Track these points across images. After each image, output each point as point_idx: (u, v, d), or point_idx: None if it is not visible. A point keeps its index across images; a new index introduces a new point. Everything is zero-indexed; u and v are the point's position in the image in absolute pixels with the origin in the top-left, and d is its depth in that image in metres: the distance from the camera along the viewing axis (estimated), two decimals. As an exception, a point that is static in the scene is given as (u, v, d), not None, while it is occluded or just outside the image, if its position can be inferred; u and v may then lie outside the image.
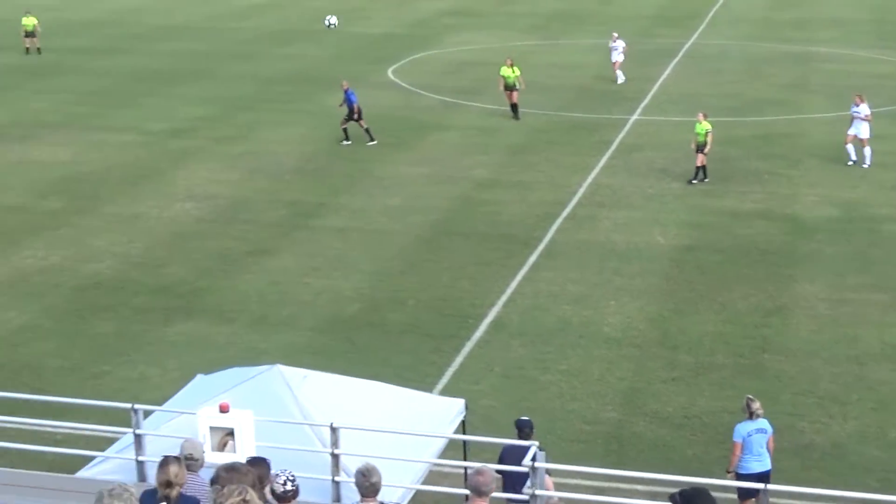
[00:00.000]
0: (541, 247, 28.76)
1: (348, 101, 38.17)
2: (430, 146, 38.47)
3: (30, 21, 55.75)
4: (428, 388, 20.06)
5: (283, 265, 27.52)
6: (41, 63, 53.36)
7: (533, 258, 27.98)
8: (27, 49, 55.51)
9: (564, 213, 31.35)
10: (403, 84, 48.48)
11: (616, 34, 49.53)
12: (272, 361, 15.45)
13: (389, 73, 50.97)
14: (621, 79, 47.92)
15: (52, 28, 62.84)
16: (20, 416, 15.80)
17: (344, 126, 38.50)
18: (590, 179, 34.57)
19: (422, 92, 46.79)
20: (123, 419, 14.26)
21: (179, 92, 47.12)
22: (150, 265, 27.54)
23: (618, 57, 48.15)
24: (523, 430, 15.68)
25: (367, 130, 38.41)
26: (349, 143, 38.20)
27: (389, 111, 43.25)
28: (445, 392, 20.28)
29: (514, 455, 14.00)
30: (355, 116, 38.20)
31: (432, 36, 61.46)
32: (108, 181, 34.42)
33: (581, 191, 33.44)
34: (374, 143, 38.22)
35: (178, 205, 32.20)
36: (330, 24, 50.89)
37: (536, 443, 12.81)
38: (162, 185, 34.00)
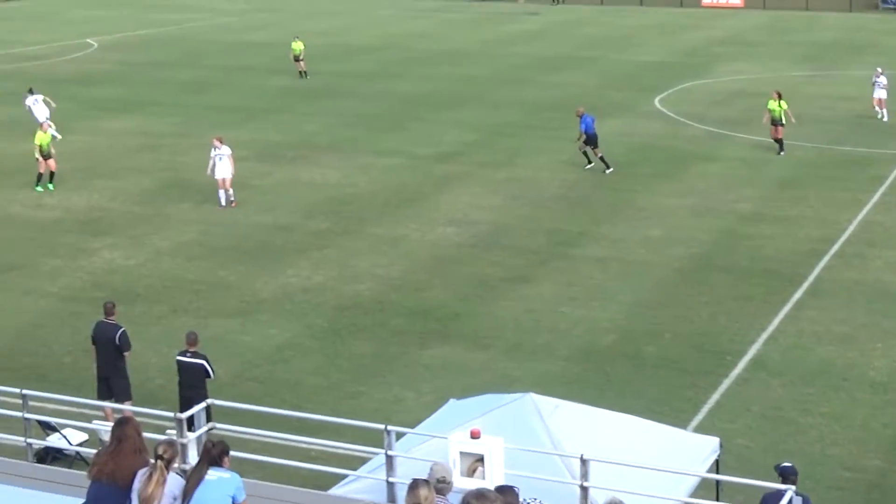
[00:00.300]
0: (805, 284, 28.07)
1: (585, 127, 38.26)
2: (694, 177, 38.05)
3: (297, 45, 57.85)
4: (681, 424, 19.80)
5: (541, 293, 27.65)
6: (314, 86, 55.15)
7: (797, 296, 27.33)
8: (301, 73, 57.51)
9: (832, 251, 30.52)
10: (670, 113, 48.13)
11: (880, 69, 47.80)
12: (525, 389, 15.54)
13: (656, 101, 50.69)
14: (886, 117, 46.13)
15: (328, 52, 65.03)
16: (278, 432, 16.35)
17: (583, 150, 38.72)
18: (861, 216, 33.57)
19: (688, 122, 46.34)
20: (376, 439, 14.58)
21: (447, 117, 47.97)
22: (410, 288, 28.09)
23: (880, 93, 46.41)
24: (788, 477, 15.12)
25: (601, 158, 38.42)
26: (611, 170, 38.16)
27: (654, 140, 43.02)
28: (699, 429, 20.00)
29: (776, 502, 13.59)
30: (586, 140, 38.38)
31: (702, 65, 60.85)
32: (373, 203, 35.28)
33: (851, 228, 32.50)
34: (611, 170, 38.15)
35: (439, 229, 32.75)
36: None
37: (793, 487, 12.49)
38: (425, 209, 34.65)
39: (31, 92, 45.07)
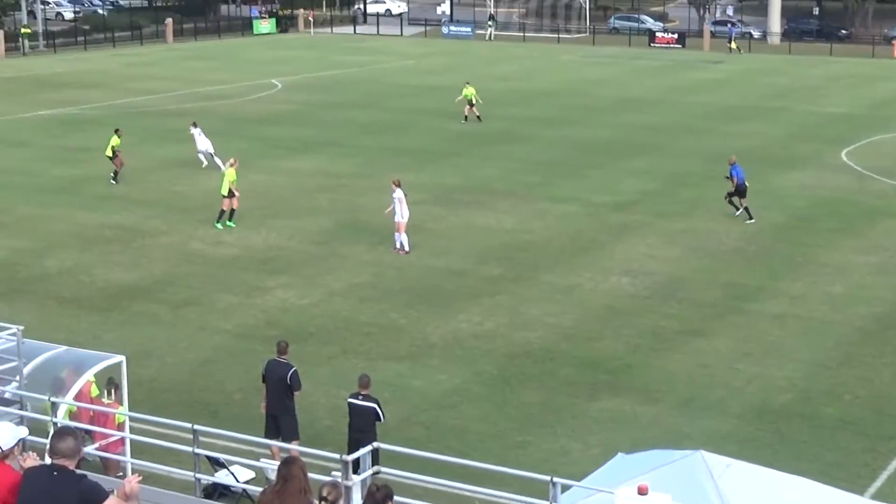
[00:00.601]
0: None
1: (737, 175, 38.16)
2: (881, 234, 37.16)
3: (469, 91, 58.36)
4: (859, 490, 19.29)
5: (715, 348, 27.26)
6: (492, 130, 55.50)
7: None
8: (471, 117, 57.89)
9: None
10: (857, 167, 47.15)
11: None
12: (695, 446, 15.34)
13: (843, 154, 49.72)
14: None
15: (508, 97, 65.46)
16: (443, 478, 16.40)
17: (729, 199, 38.64)
18: None
19: (876, 176, 45.32)
20: (541, 491, 14.52)
21: (626, 165, 47.80)
22: (581, 337, 27.97)
23: None
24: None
25: (745, 209, 38.21)
26: (752, 221, 37.67)
27: (839, 194, 42.20)
28: (878, 496, 19.45)
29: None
30: (735, 191, 38.33)
31: (893, 117, 59.52)
32: (547, 250, 35.28)
33: None
34: (753, 221, 37.55)
35: (613, 279, 32.58)
36: None
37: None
38: (599, 258, 34.52)
39: (194, 125, 47.40)
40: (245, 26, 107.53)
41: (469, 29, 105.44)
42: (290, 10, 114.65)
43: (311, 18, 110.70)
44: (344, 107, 63.03)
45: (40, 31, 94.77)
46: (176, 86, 70.91)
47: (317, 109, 62.25)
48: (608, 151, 50.71)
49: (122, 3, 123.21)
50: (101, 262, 34.04)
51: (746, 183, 38.36)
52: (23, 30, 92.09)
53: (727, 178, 38.69)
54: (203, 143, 46.61)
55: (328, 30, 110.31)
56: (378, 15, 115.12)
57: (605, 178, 45.23)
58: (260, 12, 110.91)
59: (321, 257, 34.58)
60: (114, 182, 43.54)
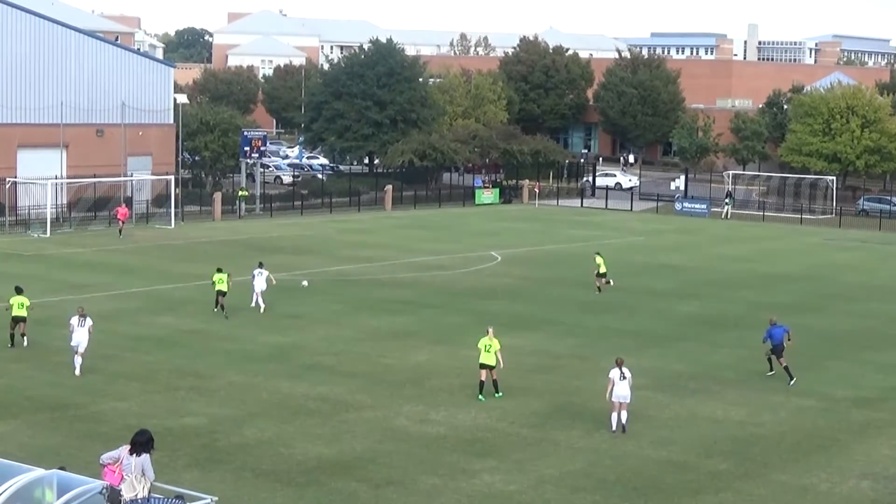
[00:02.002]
0: None
1: (770, 336, 41.49)
2: None
3: (599, 260, 60.45)
4: None
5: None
6: (725, 314, 54.96)
7: None
8: (599, 288, 60.00)
9: None
10: None
11: None
12: None
13: None
14: None
15: (744, 279, 64.89)
16: None
17: (768, 356, 42.14)
18: None
19: None
20: None
21: (871, 357, 46.68)
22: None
23: None
24: None
25: (786, 368, 41.24)
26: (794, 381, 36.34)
27: None
28: None
29: None
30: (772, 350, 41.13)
31: None
32: (779, 446, 34.43)
33: None
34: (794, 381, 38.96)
35: (852, 481, 31.53)
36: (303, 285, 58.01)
37: None
38: (837, 458, 33.52)
39: (260, 265, 53.14)
40: (467, 196, 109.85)
41: (704, 206, 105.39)
42: (514, 181, 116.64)
43: (536, 190, 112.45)
44: (566, 283, 63.33)
45: (258, 194, 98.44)
46: (391, 254, 72.51)
47: (536, 284, 62.74)
48: (851, 342, 49.59)
49: (341, 168, 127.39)
50: (301, 434, 34.58)
51: (784, 343, 41.80)
52: (240, 192, 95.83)
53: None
54: (260, 284, 52.06)
55: (554, 202, 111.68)
56: (607, 188, 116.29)
57: (846, 371, 44.16)
58: (483, 182, 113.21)
59: (532, 441, 34.46)
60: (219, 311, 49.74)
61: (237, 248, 74.14)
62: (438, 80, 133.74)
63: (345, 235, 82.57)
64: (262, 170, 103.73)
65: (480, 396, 38.60)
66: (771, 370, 42.55)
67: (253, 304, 52.55)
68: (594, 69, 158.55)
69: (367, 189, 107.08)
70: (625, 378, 35.05)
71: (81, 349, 40.72)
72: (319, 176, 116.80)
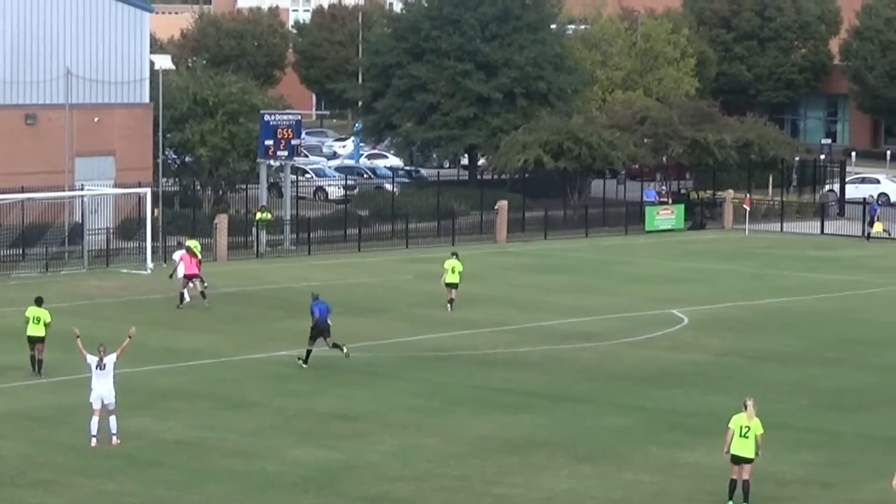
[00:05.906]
0: None
1: None
2: None
3: None
4: None
5: None
6: None
7: None
8: None
9: None
10: None
11: None
12: None
13: None
14: None
15: None
16: None
17: None
18: None
19: None
20: None
21: None
22: None
23: None
24: None
25: None
26: None
27: None
28: None
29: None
30: None
31: None
32: None
33: None
34: None
35: None
36: None
37: None
38: None
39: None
40: (632, 217, 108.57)
41: None
42: (709, 192, 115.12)
43: (746, 207, 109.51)
44: (794, 361, 62.65)
45: (287, 217, 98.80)
46: (508, 315, 72.33)
47: (745, 362, 62.11)
48: None
49: (423, 173, 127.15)
50: None
51: None
52: (259, 215, 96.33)
53: None
54: None
55: (776, 226, 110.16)
56: (865, 203, 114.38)
57: None
58: (659, 195, 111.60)
59: None
60: None
61: (254, 307, 74.03)
62: (583, 27, 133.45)
63: (430, 284, 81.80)
64: (294, 177, 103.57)
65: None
66: None
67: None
68: (841, 6, 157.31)
69: (467, 208, 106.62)
70: None
71: (109, 401, 44.64)
72: (387, 187, 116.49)
